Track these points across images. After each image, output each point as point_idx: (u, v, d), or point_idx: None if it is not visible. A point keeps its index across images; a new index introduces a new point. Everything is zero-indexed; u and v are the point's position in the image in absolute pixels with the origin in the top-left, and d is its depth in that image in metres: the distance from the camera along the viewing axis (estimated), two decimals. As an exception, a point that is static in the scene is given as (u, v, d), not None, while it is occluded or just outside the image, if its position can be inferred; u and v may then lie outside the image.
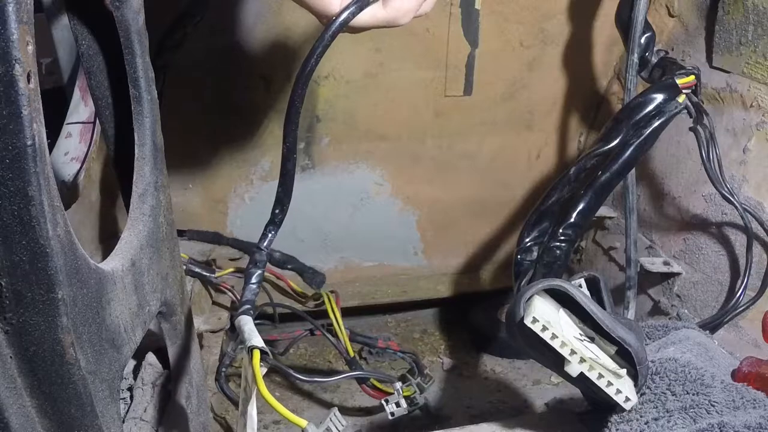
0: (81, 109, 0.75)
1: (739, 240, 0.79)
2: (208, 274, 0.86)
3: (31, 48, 0.28)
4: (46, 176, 0.30)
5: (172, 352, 0.52)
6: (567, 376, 0.50)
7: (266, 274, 0.89)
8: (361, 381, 0.79)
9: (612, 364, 0.49)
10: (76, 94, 0.76)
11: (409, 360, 0.88)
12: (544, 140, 1.05)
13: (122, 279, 0.40)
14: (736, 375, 0.56)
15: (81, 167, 0.73)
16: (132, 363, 0.57)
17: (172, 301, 0.49)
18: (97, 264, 0.37)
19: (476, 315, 1.12)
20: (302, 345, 1.08)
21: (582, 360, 0.49)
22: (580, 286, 0.58)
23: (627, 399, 0.50)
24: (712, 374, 0.53)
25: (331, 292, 0.82)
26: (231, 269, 0.91)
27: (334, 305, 0.79)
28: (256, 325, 0.83)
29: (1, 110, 0.27)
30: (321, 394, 0.99)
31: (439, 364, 1.07)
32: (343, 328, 0.79)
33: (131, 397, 0.54)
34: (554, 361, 0.50)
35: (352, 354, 0.78)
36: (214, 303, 0.90)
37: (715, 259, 0.83)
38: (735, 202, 0.75)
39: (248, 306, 0.51)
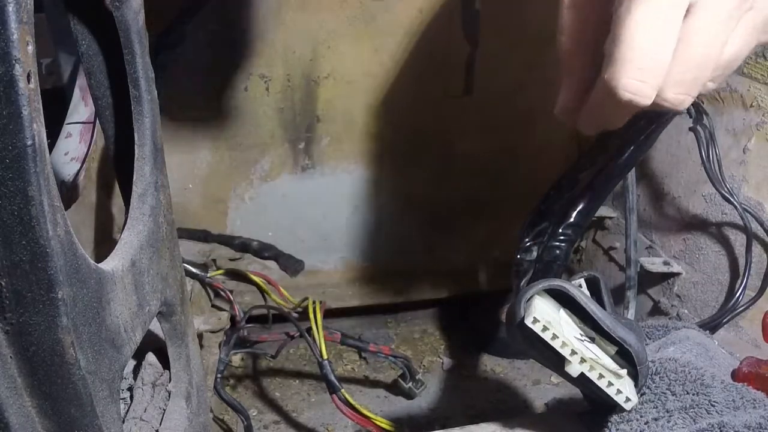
0: (81, 109, 0.75)
1: (739, 240, 0.79)
2: (202, 274, 0.86)
3: (31, 48, 0.28)
4: (46, 176, 0.29)
5: (172, 352, 0.52)
6: (567, 377, 0.50)
7: (258, 279, 0.89)
8: (332, 391, 0.75)
9: (612, 365, 0.49)
10: (76, 94, 0.76)
11: (401, 365, 0.88)
12: (544, 140, 1.05)
13: (122, 279, 0.40)
14: (736, 375, 0.56)
15: (81, 167, 0.73)
16: (132, 363, 0.57)
17: (172, 301, 0.49)
18: (97, 264, 0.37)
19: (476, 315, 1.12)
20: (303, 346, 1.08)
21: (582, 360, 0.49)
22: (580, 286, 0.58)
23: (627, 399, 0.50)
24: (712, 374, 0.53)
25: (320, 301, 0.81)
26: (223, 270, 0.91)
27: (317, 310, 0.78)
28: (248, 327, 0.83)
29: (1, 110, 0.27)
30: (321, 393, 0.99)
31: (439, 364, 1.07)
32: (321, 330, 0.77)
33: (131, 397, 0.54)
34: (554, 361, 0.50)
35: (325, 357, 0.76)
36: (213, 305, 0.90)
37: (715, 259, 0.83)
38: (735, 202, 0.76)
39: None
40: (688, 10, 0.42)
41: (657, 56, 0.42)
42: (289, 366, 1.05)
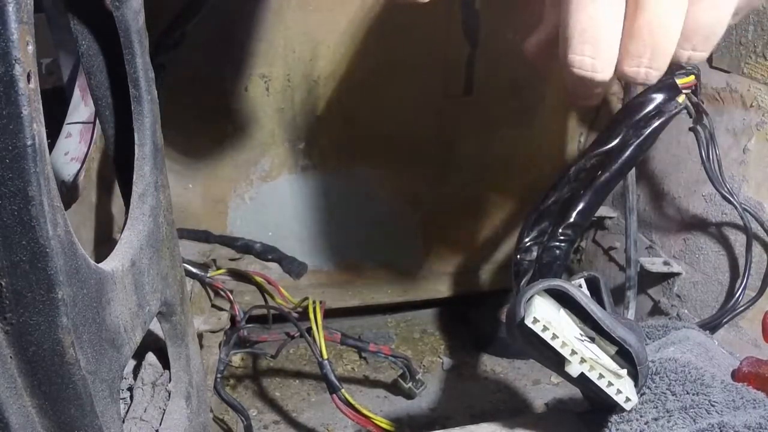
0: (81, 109, 0.75)
1: (739, 240, 0.79)
2: (202, 274, 0.86)
3: (31, 48, 0.28)
4: (46, 176, 0.29)
5: (172, 352, 0.52)
6: (567, 377, 0.50)
7: (258, 279, 0.89)
8: (332, 391, 0.75)
9: (612, 365, 0.49)
10: (76, 94, 0.76)
11: (401, 365, 0.88)
12: (544, 140, 1.05)
13: (122, 279, 0.40)
14: (736, 375, 0.56)
15: (81, 167, 0.73)
16: (132, 363, 0.57)
17: (172, 301, 0.49)
18: (97, 264, 0.37)
19: (476, 315, 1.12)
20: (302, 346, 1.08)
21: (582, 360, 0.49)
22: (580, 286, 0.58)
23: (627, 399, 0.50)
24: (712, 374, 0.53)
25: (320, 301, 0.81)
26: (224, 270, 0.91)
27: (317, 310, 0.78)
28: (248, 327, 0.83)
29: (1, 110, 0.27)
30: (321, 393, 0.99)
31: (439, 364, 1.07)
32: (321, 330, 0.77)
33: (131, 397, 0.54)
34: (554, 361, 0.50)
35: (325, 357, 0.76)
36: (213, 305, 0.90)
37: (715, 259, 0.83)
38: (735, 202, 0.76)
39: None
40: None
41: (602, 31, 0.41)
42: (289, 366, 1.05)
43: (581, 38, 0.41)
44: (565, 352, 0.49)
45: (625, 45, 0.42)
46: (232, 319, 0.86)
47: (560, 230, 0.62)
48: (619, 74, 0.43)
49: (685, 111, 0.71)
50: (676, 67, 0.74)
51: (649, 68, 0.43)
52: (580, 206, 0.63)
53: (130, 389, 0.55)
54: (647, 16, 0.40)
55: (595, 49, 0.42)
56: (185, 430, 0.52)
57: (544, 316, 0.49)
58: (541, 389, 1.01)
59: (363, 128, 0.98)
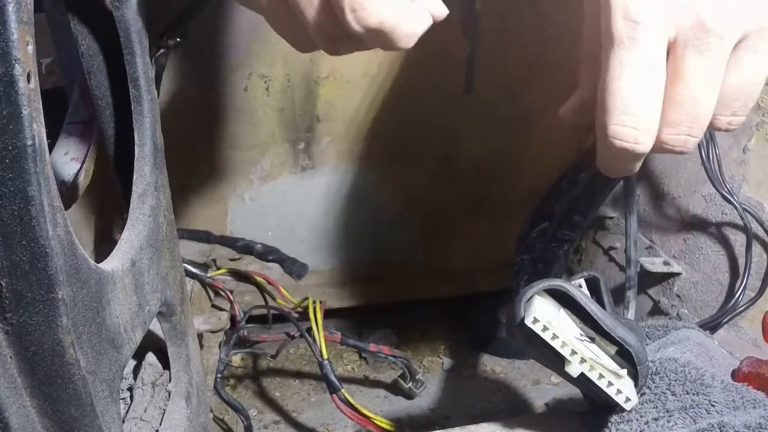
0: (81, 109, 0.75)
1: (739, 240, 0.79)
2: (202, 274, 0.86)
3: (31, 48, 0.28)
4: (46, 176, 0.30)
5: (172, 352, 0.52)
6: (567, 377, 0.50)
7: (259, 279, 0.89)
8: (332, 391, 0.75)
9: (612, 365, 0.49)
10: (76, 94, 0.76)
11: (401, 365, 0.88)
12: (544, 140, 1.05)
13: (122, 279, 0.40)
14: (736, 375, 0.57)
15: (81, 167, 0.73)
16: (132, 363, 0.57)
17: (172, 301, 0.49)
18: (97, 264, 0.37)
19: (476, 315, 1.12)
20: (302, 346, 1.08)
21: (582, 360, 0.49)
22: (580, 286, 0.58)
23: (627, 399, 0.50)
24: (712, 374, 0.53)
25: (320, 301, 0.81)
26: (224, 270, 0.91)
27: (317, 310, 0.78)
28: (248, 327, 0.83)
29: (1, 110, 0.27)
30: (321, 393, 0.99)
31: (439, 364, 1.07)
32: (321, 330, 0.77)
33: (131, 397, 0.54)
34: (554, 361, 0.50)
35: (325, 357, 0.76)
36: (213, 306, 0.90)
37: (715, 259, 0.83)
38: (735, 202, 0.76)
39: None
40: (672, 49, 0.42)
41: (644, 100, 0.41)
42: (289, 366, 1.05)
43: (623, 108, 0.42)
44: (565, 352, 0.49)
45: (664, 114, 0.42)
46: (232, 319, 0.86)
47: (560, 230, 0.62)
48: (657, 143, 0.43)
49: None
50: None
51: (688, 135, 0.43)
52: (580, 206, 0.63)
53: (130, 389, 0.55)
54: (687, 86, 0.41)
55: (637, 120, 0.42)
56: (185, 430, 0.52)
57: (544, 316, 0.49)
58: (541, 389, 1.01)
59: (363, 128, 0.98)
